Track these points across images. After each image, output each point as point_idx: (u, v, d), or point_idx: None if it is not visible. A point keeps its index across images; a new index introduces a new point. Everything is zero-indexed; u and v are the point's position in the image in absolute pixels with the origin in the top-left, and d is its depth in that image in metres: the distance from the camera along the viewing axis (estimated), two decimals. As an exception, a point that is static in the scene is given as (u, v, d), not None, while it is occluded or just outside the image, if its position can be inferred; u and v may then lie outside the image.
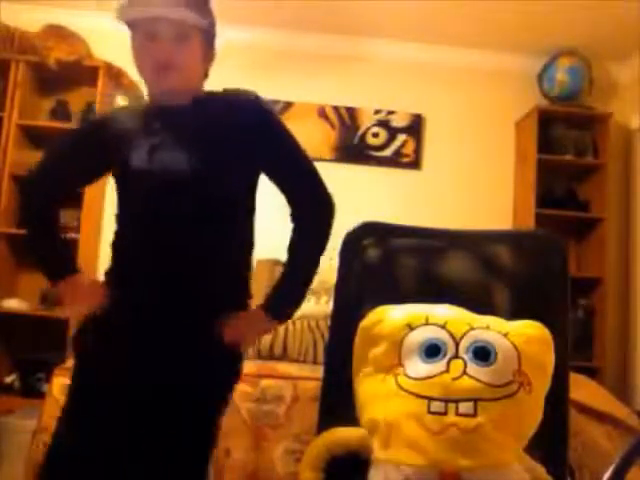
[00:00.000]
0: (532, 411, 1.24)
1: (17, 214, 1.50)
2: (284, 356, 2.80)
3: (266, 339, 2.79)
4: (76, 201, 3.16)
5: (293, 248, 1.49)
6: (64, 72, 3.42)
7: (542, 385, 1.27)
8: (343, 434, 1.31)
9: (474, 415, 1.16)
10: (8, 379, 3.29)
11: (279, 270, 2.79)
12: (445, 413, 1.17)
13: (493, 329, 1.28)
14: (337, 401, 1.43)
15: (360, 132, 3.83)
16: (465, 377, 1.20)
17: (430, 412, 1.18)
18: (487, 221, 3.18)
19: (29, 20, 3.49)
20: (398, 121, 3.85)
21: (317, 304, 2.92)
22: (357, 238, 1.58)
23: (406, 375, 1.25)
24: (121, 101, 3.52)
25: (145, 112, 1.49)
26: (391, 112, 3.84)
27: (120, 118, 1.49)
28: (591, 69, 3.63)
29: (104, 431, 1.37)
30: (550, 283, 1.49)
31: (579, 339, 3.43)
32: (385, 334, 1.32)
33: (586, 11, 3.27)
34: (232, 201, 1.44)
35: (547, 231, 1.62)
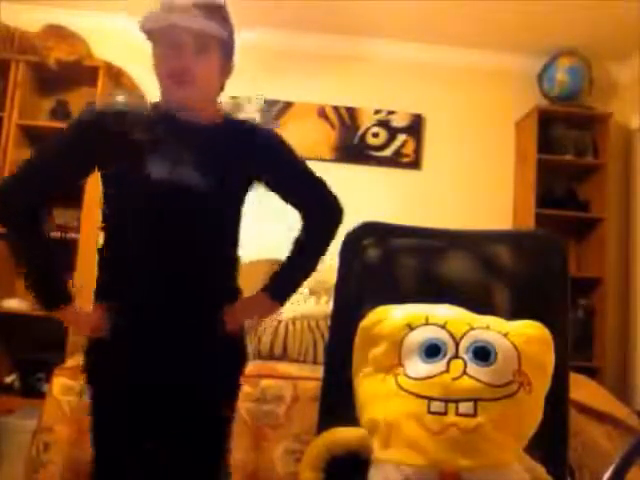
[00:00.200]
0: (532, 411, 1.24)
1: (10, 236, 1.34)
2: (284, 356, 2.80)
3: (266, 339, 2.79)
4: (76, 201, 3.15)
5: (299, 241, 1.55)
6: (64, 72, 3.41)
7: (542, 385, 1.27)
8: (343, 434, 1.31)
9: (474, 415, 1.16)
10: (8, 379, 3.28)
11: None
12: (445, 413, 1.17)
13: (493, 329, 1.28)
14: (337, 401, 1.43)
15: (360, 132, 3.83)
16: (465, 377, 1.20)
17: (430, 412, 1.18)
18: (487, 221, 3.18)
19: (29, 20, 3.48)
20: (398, 121, 3.85)
21: (317, 304, 2.92)
22: (357, 238, 1.58)
23: (406, 375, 1.25)
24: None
25: (155, 118, 1.44)
26: (391, 112, 3.84)
27: (123, 118, 1.41)
28: (591, 69, 3.62)
29: (136, 438, 1.41)
30: (550, 283, 1.49)
31: (579, 339, 3.43)
32: (385, 334, 1.32)
33: (586, 11, 3.27)
34: (234, 210, 1.50)
35: (547, 231, 1.63)
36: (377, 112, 3.84)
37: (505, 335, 1.27)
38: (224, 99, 1.58)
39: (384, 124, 3.83)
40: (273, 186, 1.54)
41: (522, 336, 1.27)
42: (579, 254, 3.74)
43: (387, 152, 3.83)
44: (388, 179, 3.79)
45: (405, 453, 1.17)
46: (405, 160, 3.84)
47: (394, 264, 1.56)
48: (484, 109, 3.89)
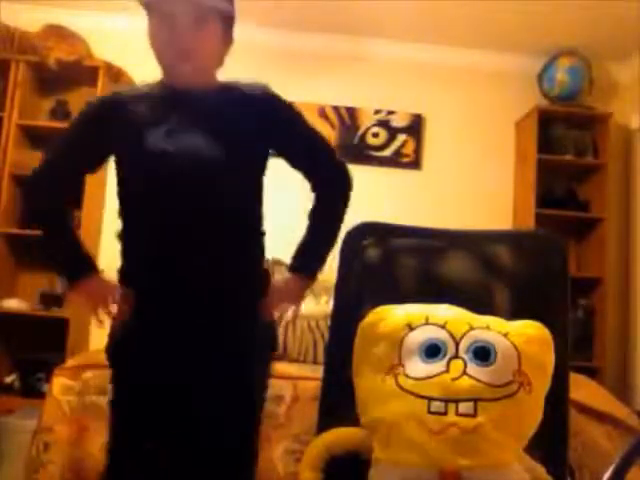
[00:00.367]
0: (532, 411, 1.24)
1: (27, 215, 1.42)
2: (284, 356, 2.81)
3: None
4: (76, 201, 3.16)
5: (313, 215, 1.53)
6: (64, 72, 3.41)
7: (542, 385, 1.27)
8: (343, 434, 1.31)
9: (474, 415, 1.16)
10: (8, 379, 3.28)
11: (279, 270, 2.79)
12: (445, 413, 1.17)
13: (493, 329, 1.28)
14: (337, 401, 1.43)
15: (360, 132, 3.83)
16: (465, 377, 1.20)
17: (430, 412, 1.18)
18: (487, 221, 3.18)
19: (29, 20, 3.48)
20: (398, 121, 3.85)
21: (317, 304, 2.92)
22: (357, 238, 1.58)
23: (406, 375, 1.25)
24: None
25: (158, 93, 1.44)
26: (391, 112, 3.84)
27: (130, 98, 1.43)
28: (591, 69, 3.62)
29: (156, 427, 1.39)
30: (550, 283, 1.49)
31: (579, 339, 3.43)
32: (385, 334, 1.32)
33: (586, 11, 3.27)
34: (248, 179, 1.44)
35: (547, 231, 1.62)
36: (377, 112, 3.84)
37: (505, 335, 1.26)
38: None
39: (384, 124, 3.84)
40: (280, 151, 1.50)
41: (522, 336, 1.27)
42: (579, 254, 3.74)
43: (387, 152, 3.83)
44: (388, 179, 3.79)
45: (405, 453, 1.17)
46: (405, 160, 3.84)
47: (394, 264, 1.56)
48: (484, 109, 3.89)
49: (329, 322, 1.61)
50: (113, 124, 1.40)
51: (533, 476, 1.19)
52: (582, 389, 2.30)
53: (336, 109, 3.82)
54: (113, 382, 1.44)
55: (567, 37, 3.56)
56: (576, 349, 3.36)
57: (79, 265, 1.47)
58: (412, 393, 1.21)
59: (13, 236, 3.34)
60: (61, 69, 3.37)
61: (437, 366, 1.23)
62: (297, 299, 1.56)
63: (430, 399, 1.19)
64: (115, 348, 1.44)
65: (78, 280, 1.46)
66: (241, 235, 1.42)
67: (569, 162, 3.66)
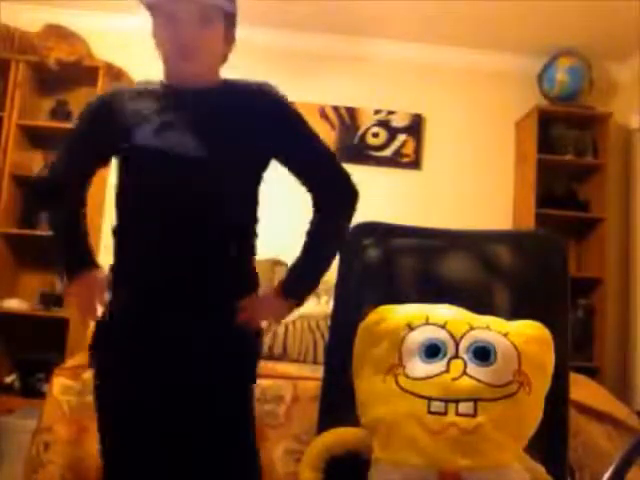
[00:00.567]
0: (532, 411, 1.24)
1: (47, 216, 1.45)
2: (284, 356, 2.80)
3: (266, 339, 2.78)
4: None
5: (313, 233, 1.47)
6: (64, 72, 3.41)
7: (542, 385, 1.27)
8: (343, 434, 1.31)
9: (474, 415, 1.16)
10: (8, 379, 3.28)
11: (279, 270, 2.78)
12: (445, 413, 1.17)
13: (493, 329, 1.28)
14: (337, 401, 1.43)
15: (360, 132, 3.83)
16: (465, 377, 1.20)
17: (430, 412, 1.18)
18: (487, 221, 3.17)
19: (29, 20, 3.48)
20: (398, 121, 3.85)
21: (317, 304, 2.92)
22: (357, 238, 1.58)
23: (406, 375, 1.25)
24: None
25: (159, 91, 1.44)
26: (391, 112, 3.84)
27: (130, 95, 1.44)
28: (591, 69, 3.62)
29: (150, 441, 1.38)
30: (550, 283, 1.49)
31: (579, 339, 3.43)
32: (385, 334, 1.32)
33: (586, 11, 3.27)
34: (239, 188, 1.40)
35: (547, 231, 1.63)
36: (377, 112, 3.84)
37: (505, 335, 1.27)
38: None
39: (384, 124, 3.83)
40: (282, 155, 1.45)
41: (522, 336, 1.27)
42: (579, 254, 3.74)
43: (387, 152, 3.83)
44: (388, 179, 3.79)
45: (405, 453, 1.17)
46: (405, 160, 3.84)
47: (394, 264, 1.56)
48: (484, 109, 3.89)
49: (329, 322, 1.61)
50: (111, 121, 1.40)
51: (533, 476, 1.19)
52: (582, 389, 2.30)
53: (336, 109, 3.82)
54: (95, 381, 1.43)
55: (567, 37, 3.56)
56: (576, 349, 3.36)
57: (77, 261, 1.50)
58: (412, 393, 1.21)
59: (13, 236, 3.34)
60: (61, 69, 3.37)
61: (437, 366, 1.23)
62: (280, 318, 1.56)
63: (430, 399, 1.19)
64: (96, 346, 1.43)
65: (74, 276, 1.50)
66: (225, 235, 1.39)
67: (569, 162, 3.66)
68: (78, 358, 2.52)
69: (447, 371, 1.21)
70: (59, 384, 2.22)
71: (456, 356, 1.23)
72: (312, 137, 1.48)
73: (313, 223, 1.47)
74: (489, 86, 3.90)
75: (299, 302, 1.48)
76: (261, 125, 1.41)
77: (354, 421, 1.30)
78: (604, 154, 3.64)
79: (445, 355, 1.24)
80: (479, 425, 1.15)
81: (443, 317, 1.31)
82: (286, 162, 1.47)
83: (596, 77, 3.68)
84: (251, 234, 1.46)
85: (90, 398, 1.47)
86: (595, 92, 3.71)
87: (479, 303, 1.41)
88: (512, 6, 3.29)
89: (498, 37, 3.68)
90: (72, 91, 3.63)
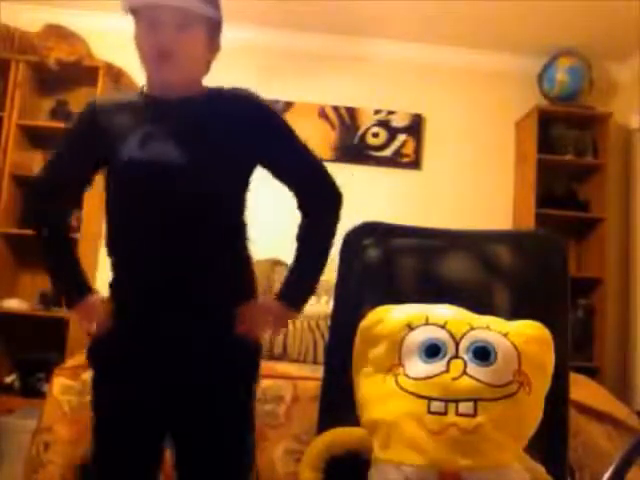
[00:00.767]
0: (532, 411, 1.24)
1: (26, 220, 1.44)
2: (284, 356, 2.80)
3: (266, 339, 2.78)
4: (78, 203, 3.16)
5: (303, 238, 1.48)
6: (64, 72, 3.42)
7: (542, 385, 1.27)
8: (343, 434, 1.31)
9: (474, 415, 1.16)
10: (8, 379, 3.28)
11: (279, 270, 2.78)
12: (445, 413, 1.17)
13: (493, 329, 1.28)
14: (337, 401, 1.43)
15: (360, 132, 3.83)
16: (465, 377, 1.20)
17: (430, 412, 1.18)
18: (487, 221, 3.18)
19: (29, 20, 3.49)
20: (398, 121, 3.85)
21: (317, 304, 2.92)
22: (357, 238, 1.58)
23: (406, 375, 1.25)
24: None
25: (140, 102, 1.44)
26: (391, 112, 3.84)
27: (113, 107, 1.44)
28: (591, 69, 3.62)
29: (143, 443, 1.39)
30: (550, 283, 1.49)
31: (579, 339, 3.43)
32: (385, 334, 1.32)
33: (586, 11, 3.27)
34: (226, 196, 1.41)
35: (547, 231, 1.63)
36: (377, 112, 3.84)
37: (505, 335, 1.26)
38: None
39: (384, 124, 3.84)
40: (268, 161, 1.46)
41: (522, 336, 1.27)
42: (579, 254, 3.74)
43: (387, 152, 3.83)
44: (388, 179, 3.79)
45: (405, 453, 1.17)
46: (405, 160, 3.84)
47: (394, 264, 1.56)
48: (484, 109, 3.89)
49: (329, 322, 1.61)
50: (96, 132, 1.41)
51: (533, 476, 1.19)
52: (582, 389, 2.30)
53: (336, 109, 3.82)
54: (92, 383, 1.44)
55: (567, 37, 3.56)
56: (576, 349, 3.36)
57: (74, 292, 1.49)
58: (412, 393, 1.21)
59: (13, 236, 3.33)
60: (61, 69, 3.37)
61: (437, 366, 1.23)
62: (280, 326, 1.56)
63: (430, 399, 1.19)
64: (95, 348, 1.44)
65: (74, 304, 1.49)
66: (215, 237, 1.39)
67: (569, 162, 3.66)
68: (78, 358, 2.52)
69: (447, 371, 1.21)
70: (59, 384, 2.22)
71: (456, 356, 1.23)
72: (295, 142, 1.48)
73: (302, 227, 1.48)
74: (489, 86, 3.90)
75: (298, 310, 1.49)
76: (244, 131, 1.40)
77: (354, 421, 1.30)
78: (604, 154, 3.64)
79: (445, 355, 1.24)
80: (479, 425, 1.15)
81: (443, 317, 1.31)
82: (270, 167, 1.47)
83: (596, 77, 3.68)
84: (242, 236, 1.47)
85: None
86: (595, 92, 3.71)
87: (479, 303, 1.41)
88: (512, 6, 3.29)
89: (498, 37, 3.68)
90: (72, 91, 3.63)
